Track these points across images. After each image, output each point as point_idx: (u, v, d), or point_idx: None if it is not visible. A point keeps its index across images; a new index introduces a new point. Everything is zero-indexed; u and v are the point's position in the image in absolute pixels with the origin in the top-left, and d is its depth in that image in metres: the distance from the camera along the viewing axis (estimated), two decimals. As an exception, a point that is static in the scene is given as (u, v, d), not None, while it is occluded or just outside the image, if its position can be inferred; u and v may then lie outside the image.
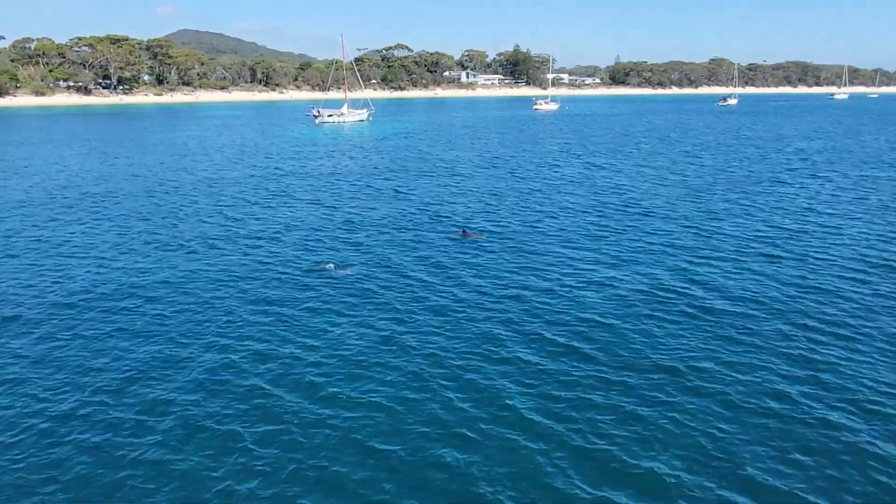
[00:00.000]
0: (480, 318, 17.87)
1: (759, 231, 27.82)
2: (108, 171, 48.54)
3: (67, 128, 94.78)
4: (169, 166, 51.75)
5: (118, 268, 23.13)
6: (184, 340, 16.66)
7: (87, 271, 22.76)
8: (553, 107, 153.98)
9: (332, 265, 22.84)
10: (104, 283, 21.28)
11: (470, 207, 33.69)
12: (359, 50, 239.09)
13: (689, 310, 18.41)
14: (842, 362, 15.11)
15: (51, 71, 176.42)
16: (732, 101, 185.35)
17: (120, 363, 15.37)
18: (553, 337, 16.56)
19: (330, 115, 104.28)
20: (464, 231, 27.67)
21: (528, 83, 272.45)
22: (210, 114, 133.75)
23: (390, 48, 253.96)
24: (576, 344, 16.14)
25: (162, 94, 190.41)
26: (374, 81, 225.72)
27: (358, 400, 13.52)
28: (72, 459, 11.67)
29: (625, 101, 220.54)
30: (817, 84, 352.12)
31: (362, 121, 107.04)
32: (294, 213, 32.78)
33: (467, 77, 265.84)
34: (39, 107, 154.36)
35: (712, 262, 23.19)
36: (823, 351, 15.74)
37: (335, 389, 13.97)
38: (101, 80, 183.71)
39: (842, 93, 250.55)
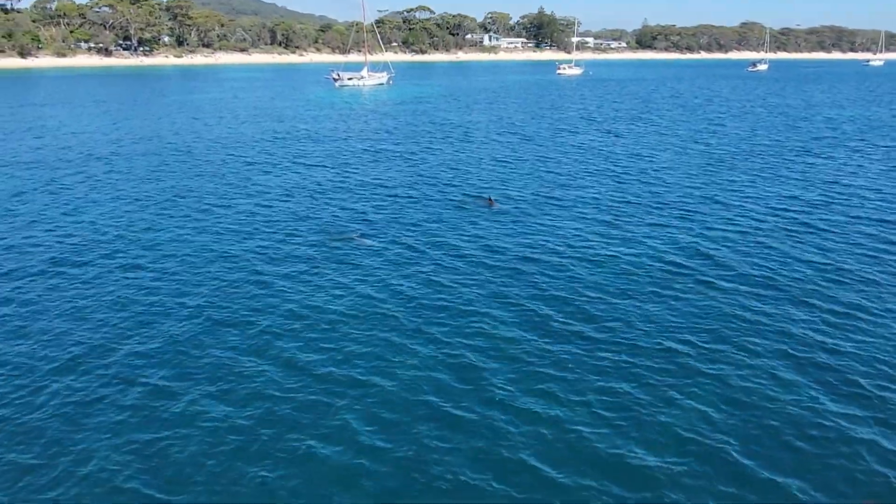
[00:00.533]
0: (484, 293, 17.41)
1: (779, 204, 26.86)
2: (119, 134, 48.34)
3: (87, 89, 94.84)
4: (180, 129, 51.45)
5: (114, 233, 22.93)
6: (171, 307, 16.41)
7: (83, 234, 22.59)
8: (577, 71, 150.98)
9: (356, 234, 22.35)
10: (98, 247, 21.10)
11: (483, 177, 32.99)
12: (380, 12, 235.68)
13: (698, 286, 17.77)
14: (853, 347, 14.46)
15: (72, 32, 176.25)
16: (762, 67, 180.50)
17: (101, 329, 15.17)
18: (556, 314, 16.06)
19: (350, 79, 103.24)
20: (489, 200, 27.08)
21: (552, 47, 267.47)
22: (229, 76, 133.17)
23: (412, 10, 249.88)
24: (577, 322, 15.63)
25: (182, 56, 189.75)
26: (394, 44, 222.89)
27: (342, 375, 13.19)
28: (44, 427, 11.50)
29: (651, 65, 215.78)
30: (852, 50, 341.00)
31: (382, 84, 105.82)
32: (301, 178, 32.34)
33: (490, 40, 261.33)
34: (61, 68, 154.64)
35: (728, 235, 22.42)
36: (836, 335, 15.08)
37: (320, 364, 13.65)
38: (121, 42, 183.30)
39: (877, 59, 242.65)
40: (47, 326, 15.49)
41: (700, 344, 14.46)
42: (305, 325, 15.46)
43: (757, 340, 14.63)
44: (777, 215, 25.07)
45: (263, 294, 17.33)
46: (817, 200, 27.44)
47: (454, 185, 30.50)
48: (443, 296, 17.14)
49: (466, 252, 20.61)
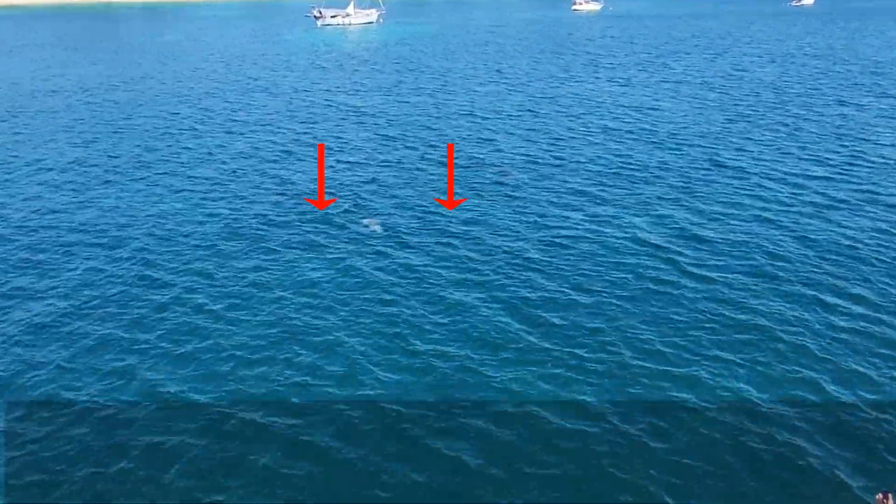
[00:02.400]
0: (452, 273, 16.70)
1: (800, 168, 25.70)
2: (59, 83, 47.28)
3: (39, 31, 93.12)
4: (124, 76, 50.21)
5: (29, 196, 22.25)
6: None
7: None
8: (595, 7, 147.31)
9: (369, 220, 21.06)
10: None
11: (467, 137, 31.74)
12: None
13: (683, 269, 17.07)
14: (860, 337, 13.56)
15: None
16: (808, 2, 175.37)
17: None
18: (526, 296, 15.66)
19: (333, 17, 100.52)
20: (501, 170, 26.70)
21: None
22: (199, 14, 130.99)
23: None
24: (543, 313, 14.92)
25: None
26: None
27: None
28: None
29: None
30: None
31: (371, 23, 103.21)
32: (256, 138, 31.38)
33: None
34: (17, 6, 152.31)
35: (729, 206, 21.51)
36: (847, 326, 14.16)
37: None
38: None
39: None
40: None
41: (675, 339, 13.62)
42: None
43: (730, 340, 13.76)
44: (796, 180, 24.00)
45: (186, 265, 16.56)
46: (843, 160, 26.31)
47: (438, 146, 29.60)
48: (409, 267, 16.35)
49: (441, 226, 19.78)
